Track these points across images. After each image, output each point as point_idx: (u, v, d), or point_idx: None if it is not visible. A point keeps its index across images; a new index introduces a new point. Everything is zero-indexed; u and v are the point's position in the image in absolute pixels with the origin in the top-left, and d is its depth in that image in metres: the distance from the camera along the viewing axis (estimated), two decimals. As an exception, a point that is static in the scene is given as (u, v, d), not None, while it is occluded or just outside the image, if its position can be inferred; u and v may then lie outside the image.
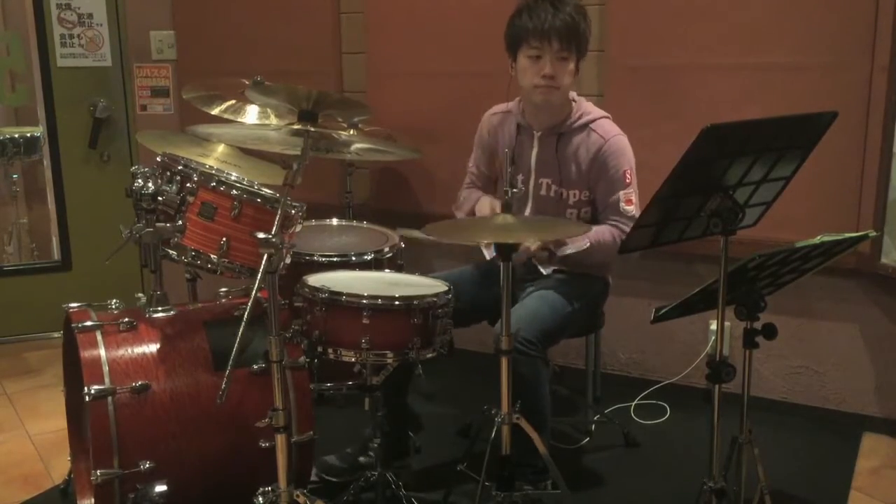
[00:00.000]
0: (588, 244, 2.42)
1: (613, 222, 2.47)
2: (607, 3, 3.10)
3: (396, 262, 2.96)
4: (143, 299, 2.31)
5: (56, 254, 4.09)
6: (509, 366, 2.06)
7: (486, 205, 2.58)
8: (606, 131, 2.50)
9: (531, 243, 2.39)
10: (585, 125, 2.51)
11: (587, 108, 2.55)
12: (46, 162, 4.04)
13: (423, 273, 2.51)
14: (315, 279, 2.27)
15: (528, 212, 2.60)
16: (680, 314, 1.96)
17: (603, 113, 2.56)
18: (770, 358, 3.12)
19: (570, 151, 2.51)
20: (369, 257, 2.85)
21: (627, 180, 2.47)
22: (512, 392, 2.08)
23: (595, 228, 2.46)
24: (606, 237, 2.45)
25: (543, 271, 2.59)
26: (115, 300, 2.30)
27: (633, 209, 2.46)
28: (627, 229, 2.41)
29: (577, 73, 2.48)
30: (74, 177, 3.99)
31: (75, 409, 2.43)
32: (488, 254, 2.63)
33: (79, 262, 4.04)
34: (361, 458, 2.55)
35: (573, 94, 2.56)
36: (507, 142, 2.61)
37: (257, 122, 2.68)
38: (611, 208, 2.49)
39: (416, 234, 2.43)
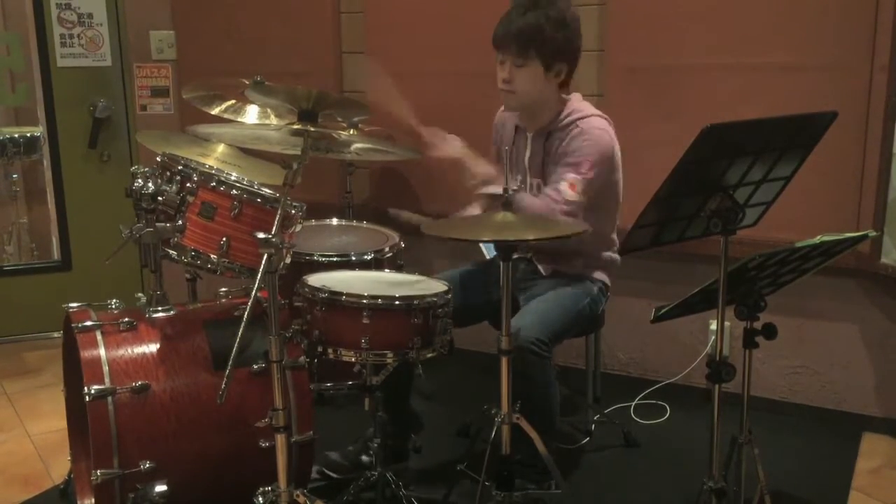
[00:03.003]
0: (500, 191, 2.27)
1: (549, 196, 2.36)
2: (607, 3, 3.10)
3: (396, 262, 2.96)
4: (143, 299, 2.31)
5: (56, 254, 4.09)
6: (510, 366, 2.06)
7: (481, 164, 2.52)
8: (589, 124, 2.44)
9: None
10: (574, 122, 2.47)
11: (579, 107, 2.51)
12: (46, 162, 4.04)
13: (424, 273, 2.51)
14: (315, 279, 2.27)
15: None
16: (680, 314, 1.96)
17: (595, 112, 2.51)
18: (770, 358, 3.12)
19: (556, 149, 2.49)
20: (369, 257, 2.85)
21: (584, 169, 2.37)
22: (522, 393, 2.08)
23: (533, 198, 2.40)
24: (536, 203, 2.35)
25: (543, 271, 2.59)
26: (115, 300, 2.30)
27: (574, 195, 2.34)
28: (557, 209, 2.32)
29: (554, 77, 2.44)
30: (74, 177, 3.99)
31: (75, 409, 2.43)
32: (487, 253, 2.64)
33: (79, 262, 4.04)
34: (363, 457, 2.55)
35: (576, 95, 2.55)
36: (507, 141, 2.61)
37: (257, 122, 2.67)
38: (553, 183, 2.40)
39: (411, 216, 2.41)
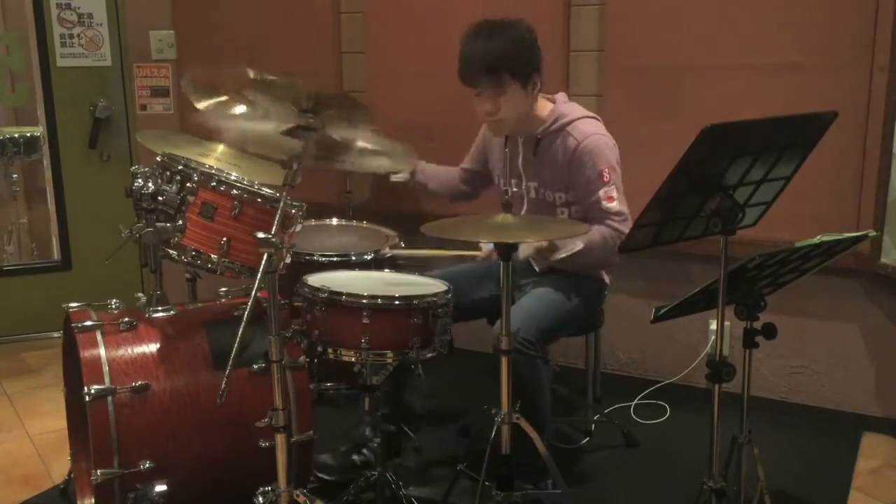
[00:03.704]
0: (581, 246, 2.40)
1: (600, 221, 2.45)
2: (607, 3, 3.10)
3: (396, 262, 2.95)
4: (143, 299, 2.31)
5: (56, 254, 4.09)
6: (509, 366, 2.06)
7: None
8: (582, 132, 2.47)
9: (523, 251, 2.39)
10: (562, 127, 2.49)
11: (564, 111, 2.52)
12: (46, 162, 4.04)
13: (423, 272, 2.51)
14: (315, 279, 2.27)
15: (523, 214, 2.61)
16: (680, 314, 1.96)
17: (585, 113, 2.53)
18: (770, 358, 3.12)
19: (548, 155, 2.51)
20: (369, 257, 2.85)
21: (606, 178, 2.42)
22: (512, 392, 2.08)
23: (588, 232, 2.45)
24: (596, 237, 2.41)
25: (537, 268, 2.59)
26: (115, 300, 2.30)
27: (615, 205, 2.42)
28: (617, 225, 2.41)
29: (532, 90, 2.46)
30: (74, 177, 3.99)
31: (75, 409, 2.43)
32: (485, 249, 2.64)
33: (79, 262, 4.04)
34: (355, 457, 2.55)
35: (560, 95, 2.56)
36: (499, 147, 2.63)
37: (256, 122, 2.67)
38: (594, 208, 2.46)
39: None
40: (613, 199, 2.42)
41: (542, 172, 2.53)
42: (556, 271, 2.57)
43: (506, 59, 2.39)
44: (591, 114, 2.55)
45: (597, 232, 2.43)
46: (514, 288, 2.54)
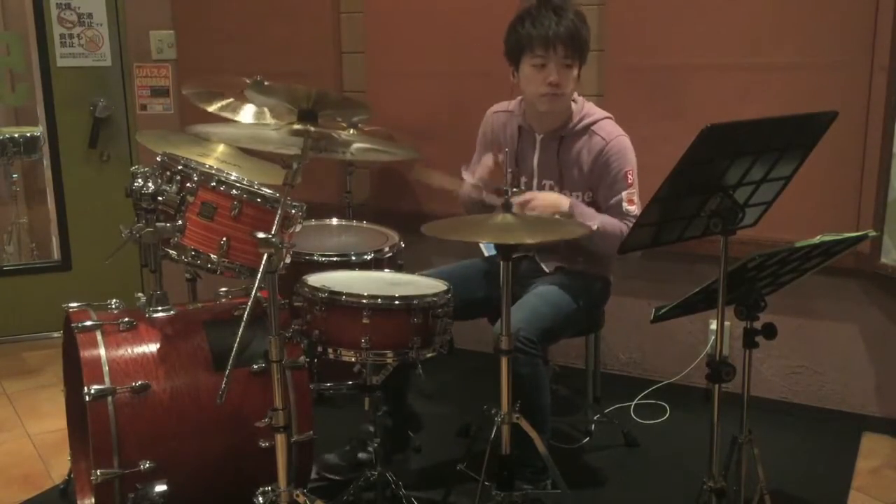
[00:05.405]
0: (596, 227, 2.38)
1: (613, 215, 2.46)
2: (607, 3, 3.10)
3: (396, 262, 2.96)
4: (143, 299, 2.31)
5: (56, 254, 4.09)
6: (509, 366, 2.06)
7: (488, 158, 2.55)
8: (608, 133, 2.50)
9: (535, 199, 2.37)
10: (587, 127, 2.51)
11: (589, 110, 2.55)
12: (46, 162, 4.04)
13: (423, 271, 2.51)
14: (315, 279, 2.27)
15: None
16: (680, 314, 1.96)
17: (605, 114, 2.56)
18: (770, 358, 3.12)
19: (572, 154, 2.52)
20: (369, 257, 2.85)
21: (629, 180, 2.47)
22: (512, 392, 2.08)
23: (606, 217, 2.45)
24: (614, 228, 2.42)
25: (546, 269, 2.59)
26: (115, 300, 2.30)
27: (634, 209, 2.45)
28: (628, 224, 2.42)
29: (578, 80, 2.49)
30: (74, 177, 3.99)
31: (75, 409, 2.43)
32: (486, 250, 2.63)
33: (79, 262, 4.04)
34: (361, 455, 2.55)
35: (575, 96, 2.56)
36: (509, 142, 2.61)
37: (256, 121, 2.67)
38: (613, 209, 2.48)
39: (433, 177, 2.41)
40: (634, 203, 2.46)
41: (564, 172, 2.53)
42: (565, 271, 2.57)
43: (583, 39, 2.43)
44: (608, 113, 2.57)
45: (616, 224, 2.44)
46: (520, 286, 2.54)
